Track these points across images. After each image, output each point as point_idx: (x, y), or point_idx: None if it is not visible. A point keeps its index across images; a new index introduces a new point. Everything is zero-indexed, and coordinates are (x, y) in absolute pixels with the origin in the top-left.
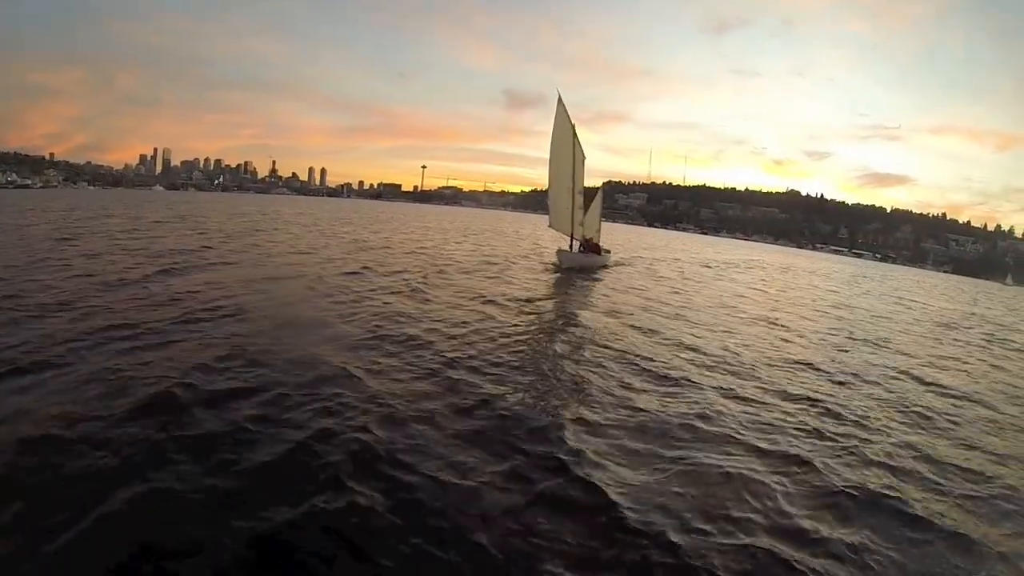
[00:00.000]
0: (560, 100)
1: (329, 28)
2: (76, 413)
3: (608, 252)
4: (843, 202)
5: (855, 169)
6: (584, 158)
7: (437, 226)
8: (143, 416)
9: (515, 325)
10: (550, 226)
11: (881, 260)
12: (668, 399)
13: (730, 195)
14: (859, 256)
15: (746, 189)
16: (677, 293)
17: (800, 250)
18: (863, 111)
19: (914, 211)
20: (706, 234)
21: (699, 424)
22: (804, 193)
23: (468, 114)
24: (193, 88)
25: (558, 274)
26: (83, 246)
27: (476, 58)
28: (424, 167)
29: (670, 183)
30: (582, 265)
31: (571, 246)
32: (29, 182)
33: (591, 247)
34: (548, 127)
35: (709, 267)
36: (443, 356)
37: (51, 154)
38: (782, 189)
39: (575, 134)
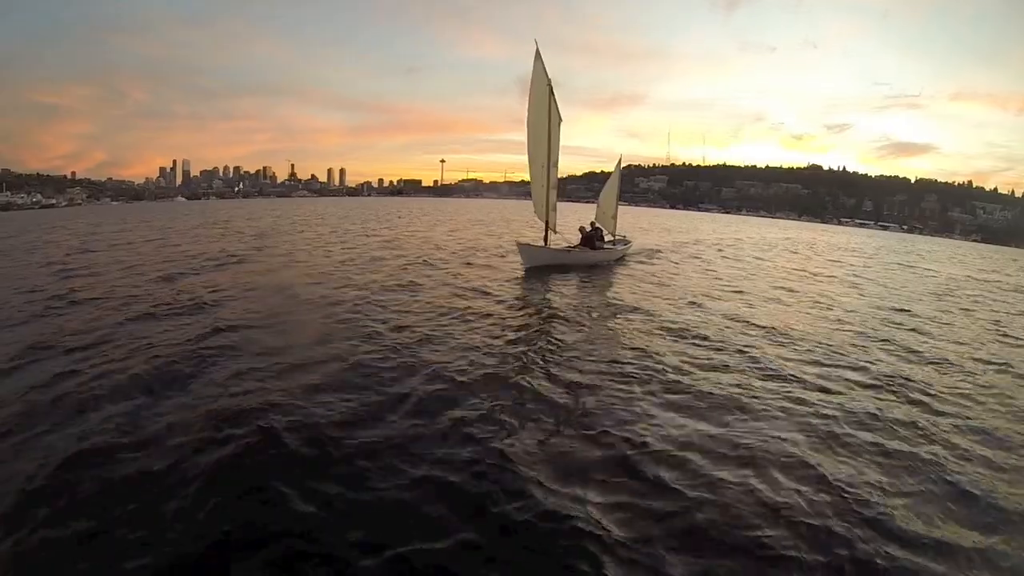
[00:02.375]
0: (537, 54)
1: (331, 28)
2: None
3: (623, 242)
4: (866, 174)
5: (876, 140)
6: (560, 120)
7: (465, 218)
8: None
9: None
10: (536, 213)
11: (908, 231)
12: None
13: (751, 173)
14: (885, 228)
15: (766, 166)
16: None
17: (826, 225)
18: (881, 80)
19: (939, 180)
20: (729, 213)
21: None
22: (826, 167)
23: (482, 105)
24: (204, 97)
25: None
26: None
27: (482, 49)
28: (443, 161)
29: (689, 164)
30: (561, 263)
31: (546, 237)
32: (54, 201)
33: (588, 238)
34: (563, 113)
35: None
36: None
37: (72, 173)
38: (803, 164)
39: (551, 93)
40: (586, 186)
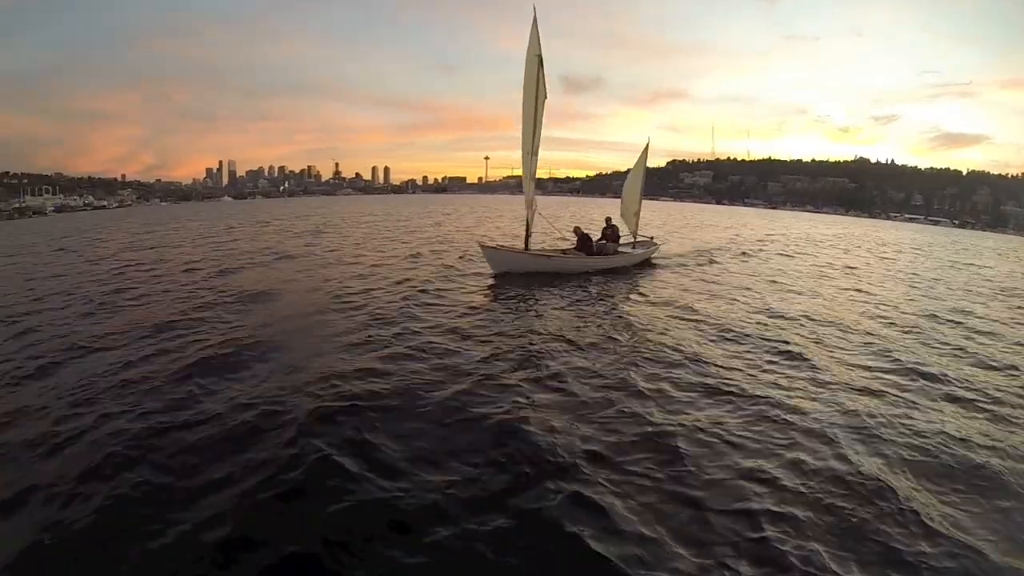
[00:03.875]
0: (535, 21)
1: (371, 29)
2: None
3: (646, 244)
4: (915, 167)
5: (926, 131)
6: (546, 98)
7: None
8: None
9: None
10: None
11: (959, 226)
12: None
13: (796, 167)
14: (935, 223)
15: (812, 160)
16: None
17: (873, 220)
18: (929, 68)
19: (991, 172)
20: (775, 208)
21: None
22: (873, 160)
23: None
24: (247, 98)
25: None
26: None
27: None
28: (487, 158)
29: (734, 158)
30: (540, 270)
31: (526, 238)
32: (105, 203)
33: (584, 240)
34: (605, 110)
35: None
36: None
37: (122, 175)
38: (850, 157)
39: (540, 64)
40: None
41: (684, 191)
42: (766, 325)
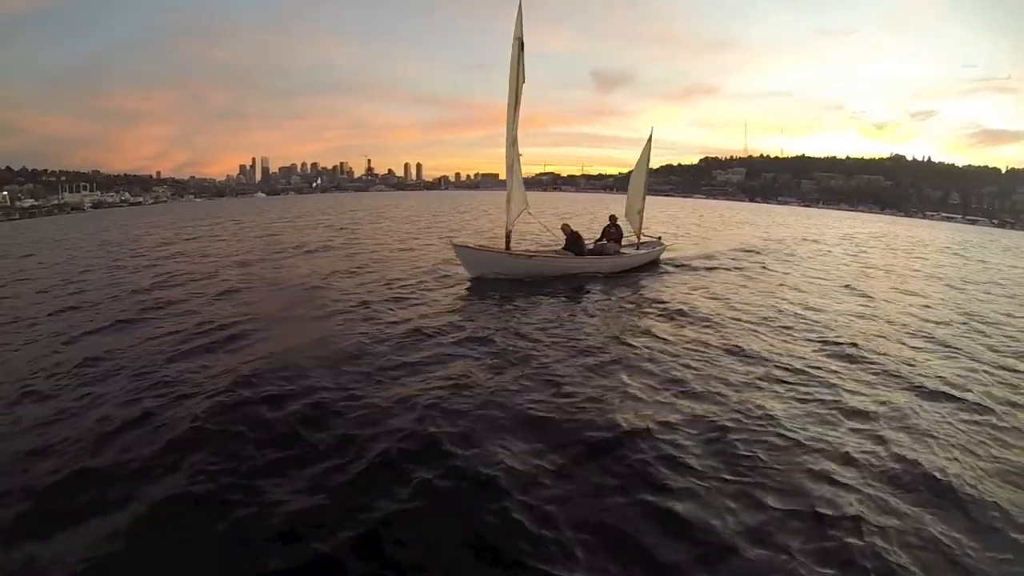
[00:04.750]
0: (520, 6)
1: (403, 27)
2: None
3: (652, 244)
4: (952, 164)
5: (964, 127)
6: (524, 81)
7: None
8: None
9: None
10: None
11: (998, 226)
12: None
13: (830, 164)
14: (973, 222)
15: (847, 157)
16: None
17: (910, 219)
18: (968, 62)
19: None
20: (808, 206)
21: None
22: (910, 157)
23: (557, 99)
24: (280, 97)
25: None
26: None
27: (553, 42)
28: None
29: (767, 155)
30: (524, 274)
31: (507, 238)
32: (141, 200)
33: (573, 239)
34: (637, 106)
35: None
36: None
37: (157, 172)
38: (885, 154)
39: (521, 48)
40: (664, 179)
41: (717, 189)
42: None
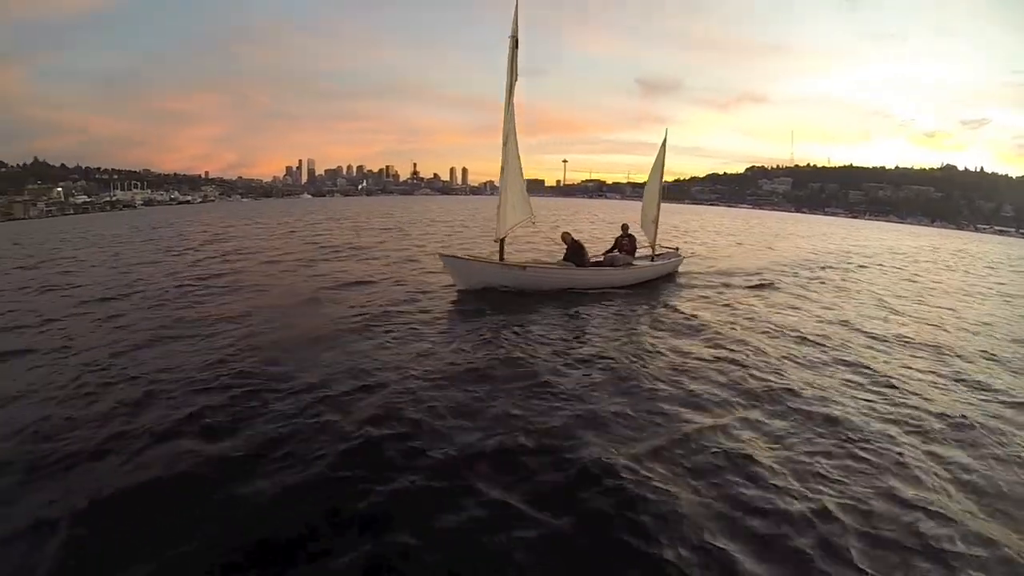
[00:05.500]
0: (517, 3)
1: (451, 32)
2: None
3: (668, 255)
4: (1006, 175)
5: (1018, 136)
6: (517, 79)
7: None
8: None
9: None
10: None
11: None
12: None
13: (879, 174)
14: None
15: (896, 167)
16: None
17: (961, 232)
18: (1021, 68)
19: None
20: (856, 217)
21: None
22: (961, 167)
23: (603, 105)
24: (327, 100)
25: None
26: None
27: (602, 47)
28: (565, 161)
29: (814, 165)
30: (518, 286)
31: (501, 247)
32: (189, 198)
33: (574, 249)
34: (682, 113)
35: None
36: None
37: (206, 172)
38: (936, 164)
39: (516, 46)
40: (710, 188)
41: (763, 198)
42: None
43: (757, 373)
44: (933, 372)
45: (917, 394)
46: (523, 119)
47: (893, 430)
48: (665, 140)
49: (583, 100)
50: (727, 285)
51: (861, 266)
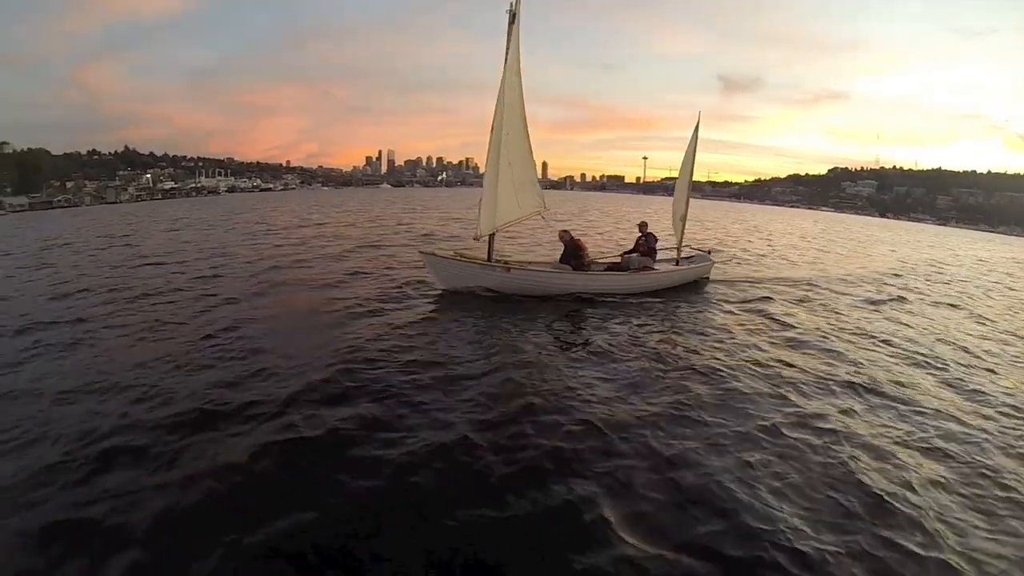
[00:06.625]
0: None
1: (528, 27)
2: None
3: (695, 259)
4: None
5: None
6: (519, 66)
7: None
8: None
9: None
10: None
11: None
12: None
13: (970, 179)
14: None
15: (988, 171)
16: None
17: None
18: None
19: None
20: (943, 225)
21: None
22: None
23: (683, 102)
24: (406, 93)
25: None
26: None
27: (679, 44)
28: (645, 158)
29: (900, 168)
30: (504, 289)
31: (490, 247)
32: (271, 186)
33: (571, 249)
34: (763, 112)
35: None
36: None
37: (287, 161)
38: None
39: (514, 19)
40: (791, 189)
41: (845, 202)
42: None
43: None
44: None
45: None
46: (598, 115)
47: None
48: (697, 127)
49: (660, 96)
50: (767, 299)
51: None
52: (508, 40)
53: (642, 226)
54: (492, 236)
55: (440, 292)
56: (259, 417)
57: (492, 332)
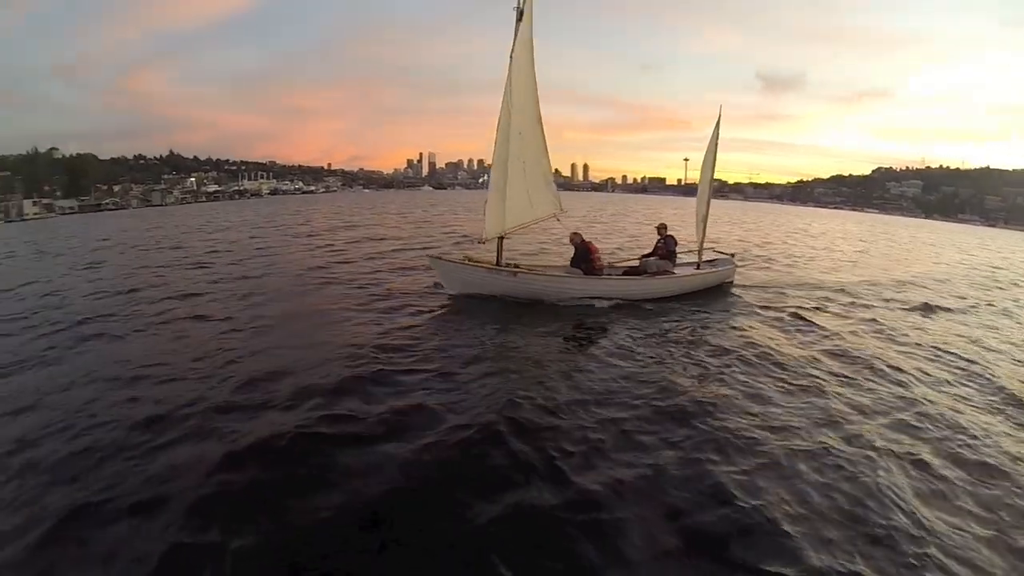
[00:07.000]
0: None
1: (566, 29)
2: None
3: (717, 263)
4: None
5: None
6: (531, 50)
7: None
8: None
9: None
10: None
11: None
12: None
13: (1020, 177)
14: None
15: None
16: None
17: None
18: None
19: None
20: (993, 227)
21: None
22: None
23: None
24: (447, 97)
25: None
26: None
27: (719, 42)
28: (687, 160)
29: (947, 167)
30: (511, 294)
31: (499, 251)
32: (313, 188)
33: (581, 252)
34: (806, 110)
35: None
36: None
37: (328, 164)
38: None
39: (520, 17)
40: (834, 190)
41: (890, 203)
42: None
43: None
44: None
45: None
46: (641, 116)
47: None
48: (719, 121)
49: (701, 97)
50: (794, 307)
51: None
52: (515, 38)
53: (661, 228)
54: (501, 239)
55: (448, 297)
56: (264, 407)
57: (502, 335)
